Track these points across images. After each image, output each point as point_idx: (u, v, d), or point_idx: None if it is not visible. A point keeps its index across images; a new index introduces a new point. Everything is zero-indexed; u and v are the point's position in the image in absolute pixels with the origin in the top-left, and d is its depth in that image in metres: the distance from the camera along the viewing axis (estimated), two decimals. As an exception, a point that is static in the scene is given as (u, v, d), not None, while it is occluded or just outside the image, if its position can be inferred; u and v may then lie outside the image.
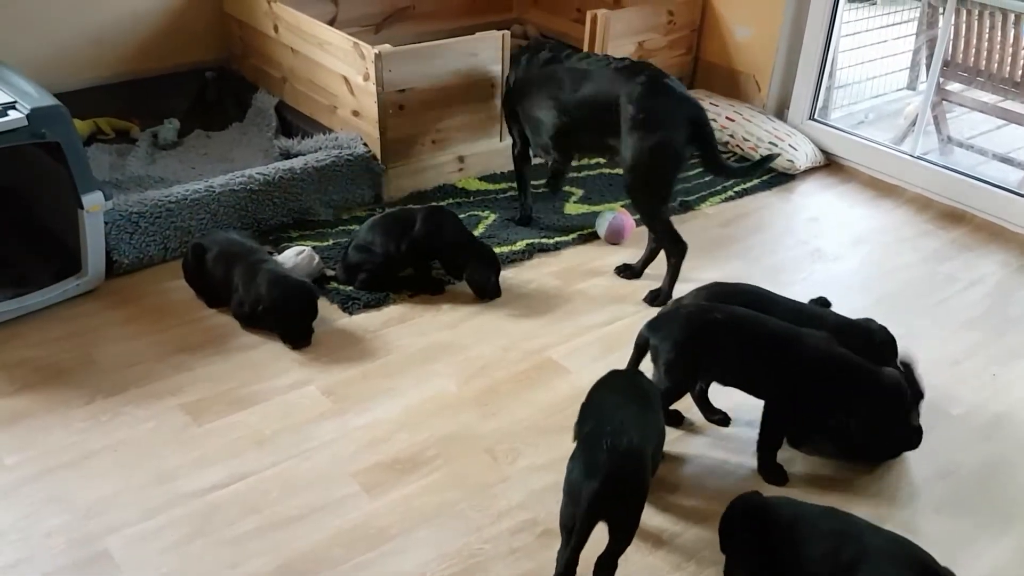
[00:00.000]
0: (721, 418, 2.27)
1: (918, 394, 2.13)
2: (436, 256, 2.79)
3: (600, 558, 1.75)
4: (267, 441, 2.14)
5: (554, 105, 2.84)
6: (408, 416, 2.25)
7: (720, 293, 2.28)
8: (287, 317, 2.49)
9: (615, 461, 1.68)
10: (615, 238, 3.09)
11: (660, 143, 2.62)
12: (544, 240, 3.07)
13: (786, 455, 2.17)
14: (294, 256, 2.75)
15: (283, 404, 2.27)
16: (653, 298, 2.76)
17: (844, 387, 2.03)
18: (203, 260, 2.61)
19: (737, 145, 3.65)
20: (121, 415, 2.20)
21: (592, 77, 2.76)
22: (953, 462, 2.19)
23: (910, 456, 2.18)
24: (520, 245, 3.03)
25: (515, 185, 3.29)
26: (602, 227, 3.11)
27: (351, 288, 2.73)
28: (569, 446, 2.13)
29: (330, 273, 2.80)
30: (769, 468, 2.11)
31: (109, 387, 2.29)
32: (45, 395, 2.25)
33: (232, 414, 2.22)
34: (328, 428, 2.19)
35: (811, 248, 3.11)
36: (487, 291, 2.74)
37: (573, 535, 1.69)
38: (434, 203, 3.11)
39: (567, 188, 3.42)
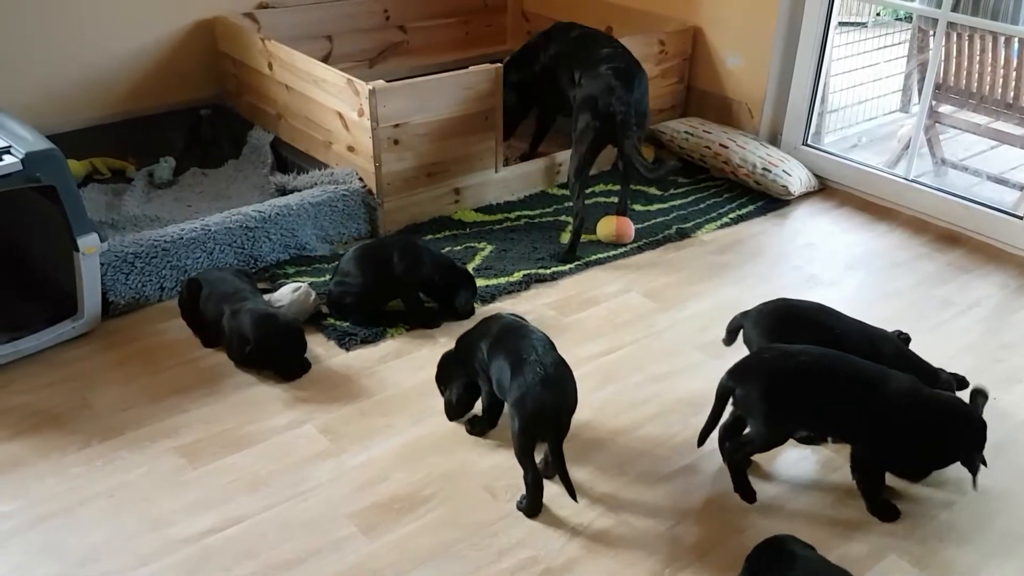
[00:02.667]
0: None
1: None
2: (422, 289, 2.80)
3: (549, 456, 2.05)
4: (263, 483, 2.13)
5: None
6: (405, 454, 2.24)
7: (787, 315, 2.29)
8: (273, 356, 2.49)
9: (560, 372, 2.06)
10: (624, 229, 3.24)
11: None
12: (541, 270, 3.07)
13: (783, 488, 2.16)
14: (290, 292, 2.75)
15: (279, 444, 2.25)
16: None
17: (938, 429, 2.02)
18: (197, 296, 2.62)
19: (732, 171, 3.66)
20: (116, 460, 2.18)
21: None
22: (956, 490, 2.16)
23: (911, 485, 2.17)
24: (517, 276, 3.02)
25: (510, 216, 3.33)
26: (609, 225, 3.23)
27: (347, 324, 2.73)
28: (573, 479, 2.14)
29: (326, 310, 2.80)
30: (880, 506, 2.08)
31: (104, 431, 2.27)
32: (39, 441, 2.24)
33: (227, 456, 2.21)
34: (324, 468, 2.18)
35: (807, 274, 3.11)
36: (466, 312, 2.77)
37: (552, 447, 2.01)
38: (406, 234, 3.15)
39: (563, 218, 3.43)
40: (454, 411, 2.32)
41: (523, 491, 2.07)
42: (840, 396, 2.02)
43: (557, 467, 2.02)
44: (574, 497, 2.01)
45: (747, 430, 2.07)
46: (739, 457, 2.08)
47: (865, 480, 2.09)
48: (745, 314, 2.35)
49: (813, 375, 2.02)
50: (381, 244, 2.87)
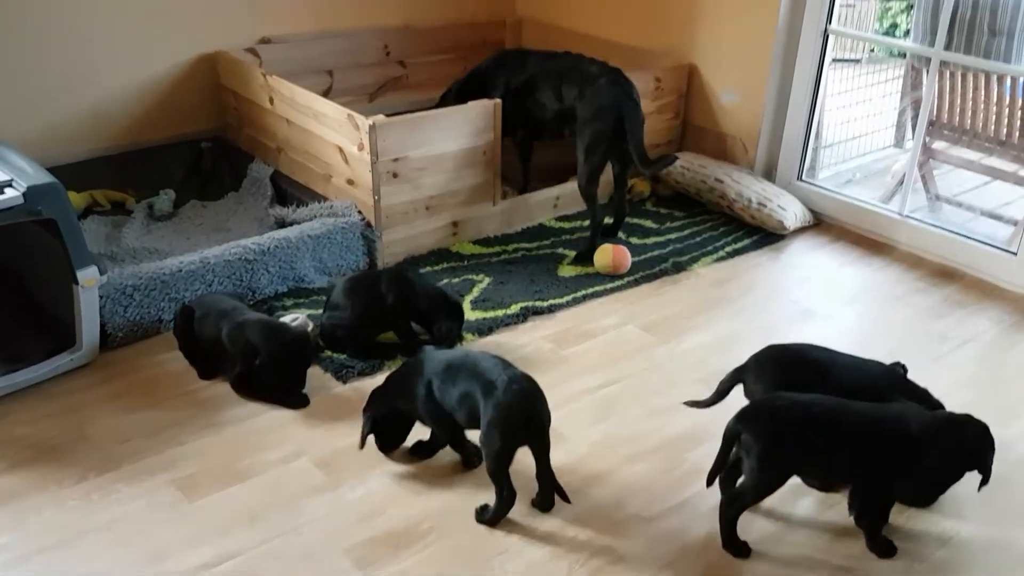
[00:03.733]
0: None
1: None
2: (414, 319, 2.82)
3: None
4: (259, 517, 2.12)
5: None
6: (402, 488, 2.23)
7: (785, 361, 2.28)
8: (286, 366, 2.52)
9: (533, 383, 2.12)
10: (621, 259, 3.27)
11: None
12: (538, 303, 3.08)
13: (778, 527, 2.15)
14: (289, 323, 2.76)
15: (276, 477, 2.25)
16: None
17: (955, 446, 2.05)
18: (191, 322, 2.64)
19: (728, 206, 3.69)
20: (113, 493, 2.18)
21: None
22: (952, 528, 2.16)
23: (909, 523, 2.17)
24: (514, 308, 3.04)
25: (507, 248, 3.40)
26: (606, 255, 3.27)
27: (344, 356, 2.74)
28: (565, 517, 2.14)
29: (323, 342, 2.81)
30: (881, 544, 2.08)
31: (101, 464, 2.27)
32: (37, 473, 2.24)
33: (224, 489, 2.20)
34: (321, 502, 2.17)
35: (803, 308, 3.12)
36: (449, 342, 2.79)
37: (540, 457, 2.11)
38: (395, 266, 3.17)
39: (561, 250, 3.45)
40: (382, 443, 2.33)
41: (518, 526, 2.07)
42: (850, 444, 2.00)
43: (547, 475, 2.12)
44: (567, 499, 2.14)
45: (742, 479, 2.04)
46: (732, 513, 2.05)
47: (871, 518, 2.08)
48: (741, 369, 2.31)
49: (822, 425, 2.00)
50: (370, 276, 2.88)
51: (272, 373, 2.51)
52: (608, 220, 3.56)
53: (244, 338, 2.52)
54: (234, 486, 2.21)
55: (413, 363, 2.28)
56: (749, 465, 2.00)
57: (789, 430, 2.00)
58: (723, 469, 2.08)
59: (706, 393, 2.42)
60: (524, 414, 2.06)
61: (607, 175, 3.44)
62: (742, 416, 2.05)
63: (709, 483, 2.11)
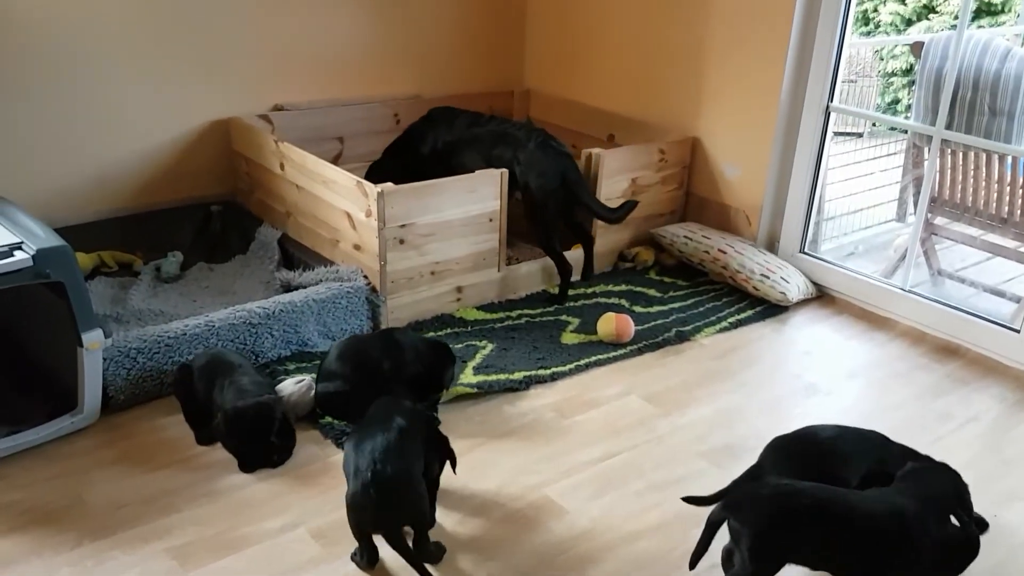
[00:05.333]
0: None
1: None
2: (408, 382, 2.80)
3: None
4: (254, 589, 2.10)
5: None
6: (400, 561, 2.20)
7: (795, 453, 2.27)
8: (236, 435, 2.51)
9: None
10: (624, 328, 3.28)
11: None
12: (541, 371, 3.08)
13: None
14: (293, 385, 2.76)
15: (272, 548, 2.22)
16: None
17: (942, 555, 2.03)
18: (190, 380, 2.66)
19: (731, 276, 3.71)
20: (107, 561, 2.15)
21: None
22: (958, 612, 2.13)
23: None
24: (517, 375, 3.04)
25: (511, 314, 3.47)
26: (609, 323, 3.28)
27: (344, 423, 2.73)
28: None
29: (322, 409, 2.80)
30: None
31: (97, 530, 2.25)
32: (31, 538, 2.21)
33: (219, 560, 2.17)
34: (317, 575, 2.14)
35: (805, 383, 3.12)
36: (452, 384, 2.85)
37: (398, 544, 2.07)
38: (388, 329, 3.14)
39: (564, 317, 3.47)
40: None
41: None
42: (841, 538, 1.97)
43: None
44: None
45: (734, 569, 2.00)
46: None
47: None
48: (756, 470, 2.27)
49: (812, 516, 1.97)
50: (361, 341, 2.87)
51: (226, 439, 2.51)
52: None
53: (221, 398, 2.54)
54: (229, 556, 2.19)
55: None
56: (740, 556, 1.98)
57: (778, 523, 1.96)
58: (705, 552, 2.03)
59: (710, 468, 2.41)
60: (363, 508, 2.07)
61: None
62: (728, 505, 2.01)
63: (691, 566, 2.04)
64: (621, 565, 2.23)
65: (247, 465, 2.51)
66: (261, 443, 2.52)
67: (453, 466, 2.30)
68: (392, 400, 2.35)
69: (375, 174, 3.83)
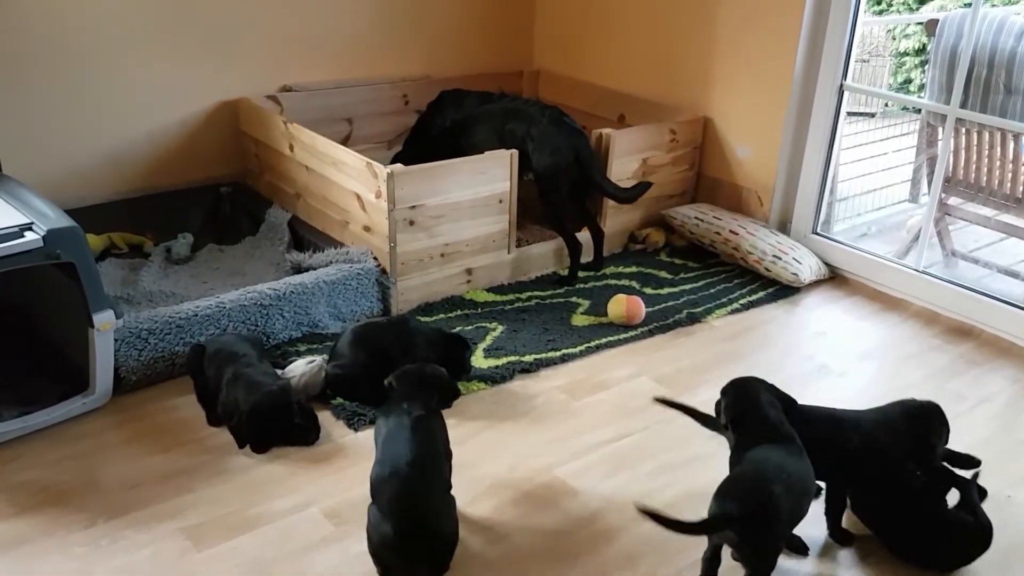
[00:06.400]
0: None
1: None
2: None
3: None
4: (267, 569, 2.10)
5: None
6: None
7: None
8: (260, 430, 2.51)
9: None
10: (635, 309, 3.27)
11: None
12: (551, 353, 3.07)
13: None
14: (304, 365, 2.77)
15: (284, 528, 2.23)
16: None
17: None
18: (201, 360, 2.67)
19: (742, 258, 3.69)
20: (121, 540, 2.16)
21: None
22: (971, 593, 2.12)
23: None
24: (528, 357, 3.03)
25: (521, 296, 3.46)
26: (620, 305, 3.27)
27: (356, 404, 2.73)
28: (578, 573, 2.11)
29: (334, 390, 2.80)
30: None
31: (110, 510, 2.26)
32: (45, 518, 2.23)
33: (232, 539, 2.18)
34: (329, 555, 2.15)
35: (818, 363, 3.10)
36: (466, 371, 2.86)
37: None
38: (403, 317, 3.18)
39: (574, 299, 3.45)
40: None
41: (530, 583, 2.06)
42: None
43: None
44: None
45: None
46: None
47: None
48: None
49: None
50: (375, 328, 2.87)
51: (248, 430, 2.51)
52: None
53: (234, 394, 2.53)
54: (242, 535, 2.20)
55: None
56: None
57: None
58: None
59: (721, 448, 2.39)
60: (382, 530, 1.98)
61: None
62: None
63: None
64: (632, 544, 2.23)
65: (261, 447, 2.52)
66: (287, 429, 2.53)
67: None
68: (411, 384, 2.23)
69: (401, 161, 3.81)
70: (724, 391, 2.20)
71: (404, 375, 2.22)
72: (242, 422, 2.50)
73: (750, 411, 2.11)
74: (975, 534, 2.15)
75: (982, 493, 2.31)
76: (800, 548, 2.21)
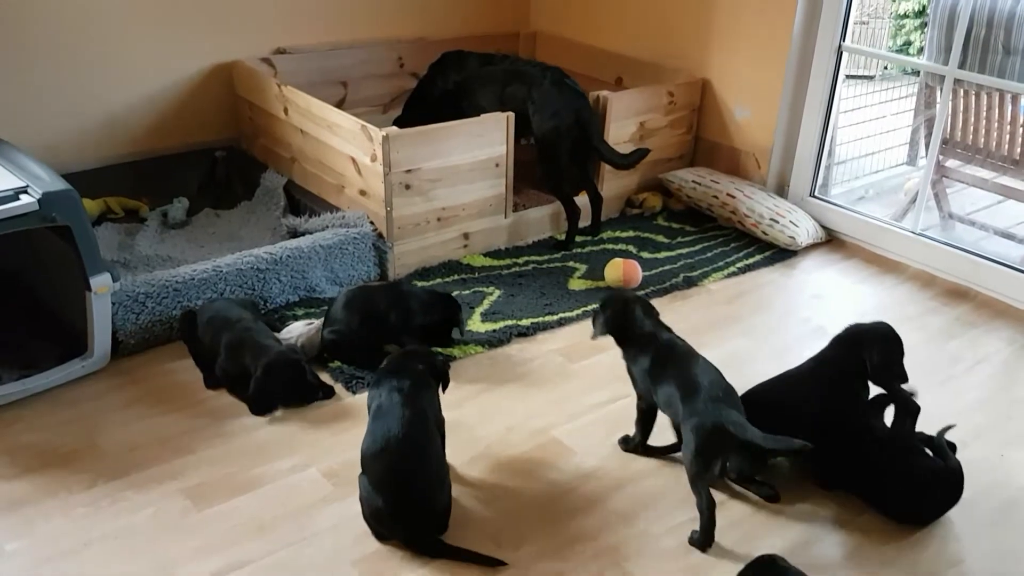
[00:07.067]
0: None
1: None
2: (415, 332, 2.81)
3: None
4: (267, 527, 2.12)
5: None
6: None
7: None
8: (278, 390, 2.52)
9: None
10: (632, 273, 3.27)
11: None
12: (548, 317, 3.08)
13: (805, 535, 2.14)
14: (303, 327, 2.78)
15: (284, 488, 2.25)
16: None
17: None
18: (194, 326, 2.69)
19: (739, 221, 3.69)
20: (121, 500, 2.18)
21: None
22: (963, 549, 2.15)
23: (920, 543, 2.15)
24: (525, 321, 3.04)
25: (518, 261, 3.46)
26: (617, 269, 3.28)
27: (354, 367, 2.74)
28: (574, 531, 2.13)
29: (331, 354, 2.81)
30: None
31: (111, 471, 2.27)
32: (47, 480, 2.24)
33: (232, 499, 2.20)
34: (329, 513, 2.17)
35: (814, 326, 3.11)
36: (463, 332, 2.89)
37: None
38: (395, 281, 3.19)
39: (571, 263, 3.45)
40: None
41: (526, 540, 2.09)
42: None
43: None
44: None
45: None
46: None
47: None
48: None
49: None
50: (369, 291, 2.87)
51: (265, 394, 2.52)
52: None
53: (241, 359, 2.54)
54: (242, 496, 2.22)
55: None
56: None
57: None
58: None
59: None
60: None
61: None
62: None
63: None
64: (629, 503, 2.25)
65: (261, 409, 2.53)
66: (301, 388, 2.55)
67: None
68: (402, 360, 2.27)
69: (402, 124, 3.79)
70: (602, 306, 2.39)
71: (400, 356, 2.26)
72: (257, 384, 2.50)
73: (628, 324, 2.34)
74: (945, 477, 2.19)
75: (951, 447, 2.34)
76: (772, 497, 2.26)
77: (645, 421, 2.38)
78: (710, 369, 2.21)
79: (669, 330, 2.34)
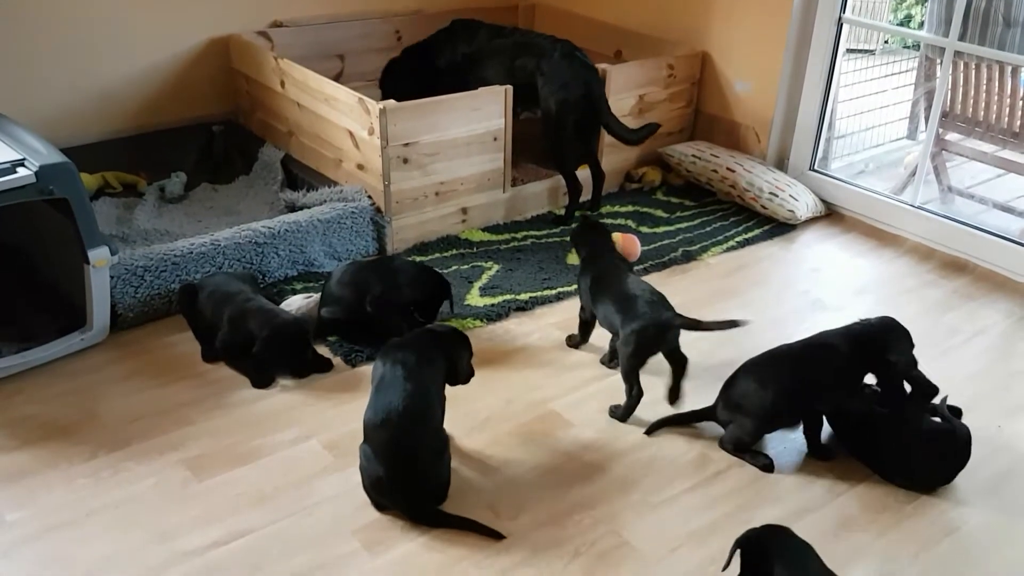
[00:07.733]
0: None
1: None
2: (406, 310, 2.81)
3: None
4: (268, 497, 2.13)
5: None
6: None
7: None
8: (280, 353, 2.54)
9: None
10: (630, 248, 3.28)
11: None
12: (546, 292, 3.08)
13: (795, 503, 2.15)
14: (301, 300, 2.79)
15: (284, 459, 2.26)
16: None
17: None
18: (194, 300, 2.69)
19: (739, 195, 3.68)
20: (122, 471, 2.20)
21: None
22: (959, 517, 2.16)
23: (916, 512, 2.17)
24: (523, 296, 3.04)
25: (517, 236, 3.45)
26: (615, 244, 3.23)
27: (355, 343, 2.74)
28: (572, 501, 2.14)
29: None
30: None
31: (111, 442, 2.29)
32: (47, 451, 2.25)
33: (233, 469, 2.22)
34: (329, 483, 2.18)
35: (813, 299, 3.12)
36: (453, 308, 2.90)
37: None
38: (388, 256, 3.18)
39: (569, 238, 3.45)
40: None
41: (524, 509, 2.11)
42: None
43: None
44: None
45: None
46: None
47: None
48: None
49: None
50: (360, 268, 2.86)
51: (270, 359, 2.53)
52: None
53: (246, 327, 2.55)
54: (243, 467, 2.23)
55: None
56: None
57: None
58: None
59: (716, 383, 2.43)
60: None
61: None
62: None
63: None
64: (627, 471, 2.27)
65: (262, 382, 2.54)
66: (304, 355, 2.58)
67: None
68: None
69: (391, 73, 3.79)
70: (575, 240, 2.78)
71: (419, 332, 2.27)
72: (263, 344, 2.50)
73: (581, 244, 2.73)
74: (952, 440, 2.22)
75: (956, 412, 2.40)
76: (768, 467, 2.29)
77: (585, 329, 2.76)
78: (640, 282, 2.53)
79: (616, 256, 2.70)
